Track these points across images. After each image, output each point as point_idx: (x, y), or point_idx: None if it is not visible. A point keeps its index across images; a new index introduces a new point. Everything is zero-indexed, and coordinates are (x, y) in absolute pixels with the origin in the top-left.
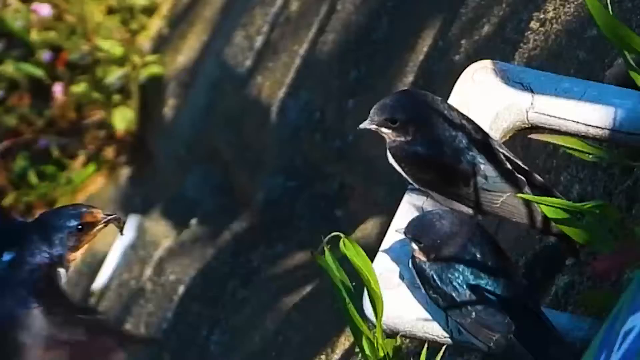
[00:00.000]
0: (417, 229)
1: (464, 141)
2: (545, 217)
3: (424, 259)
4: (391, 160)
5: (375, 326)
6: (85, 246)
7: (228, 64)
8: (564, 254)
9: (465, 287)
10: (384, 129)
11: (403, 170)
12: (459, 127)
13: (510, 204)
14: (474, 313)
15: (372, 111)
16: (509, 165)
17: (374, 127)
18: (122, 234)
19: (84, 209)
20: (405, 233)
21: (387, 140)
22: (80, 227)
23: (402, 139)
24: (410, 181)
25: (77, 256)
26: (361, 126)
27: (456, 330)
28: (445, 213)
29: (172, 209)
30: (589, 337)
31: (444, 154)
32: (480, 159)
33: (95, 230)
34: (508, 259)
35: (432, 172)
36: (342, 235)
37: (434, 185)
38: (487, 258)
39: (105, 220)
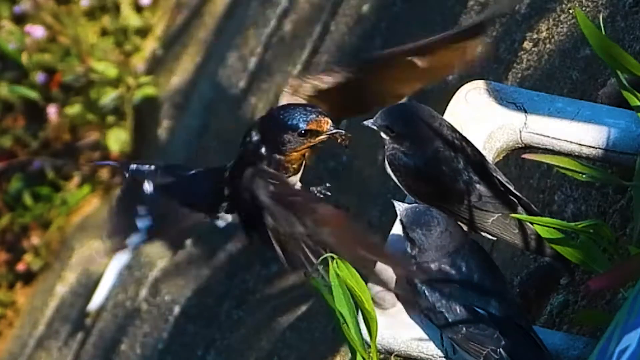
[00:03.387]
0: (411, 220)
1: (462, 162)
2: (537, 237)
3: (407, 248)
4: (387, 168)
5: (369, 346)
6: (305, 151)
7: (222, 85)
8: (558, 273)
9: (455, 302)
10: (383, 134)
11: (398, 179)
12: (458, 148)
13: (501, 224)
14: (464, 328)
15: (379, 113)
16: (502, 188)
17: (375, 127)
18: (345, 147)
19: (313, 116)
20: (401, 220)
21: (386, 146)
22: (303, 132)
23: (401, 148)
24: (404, 190)
25: (294, 158)
26: (365, 123)
27: (450, 349)
28: (443, 220)
29: None
30: (584, 357)
31: (443, 172)
32: (475, 180)
33: (317, 139)
34: (500, 276)
35: (428, 186)
36: (334, 256)
37: (427, 198)
38: (477, 275)
39: (329, 132)
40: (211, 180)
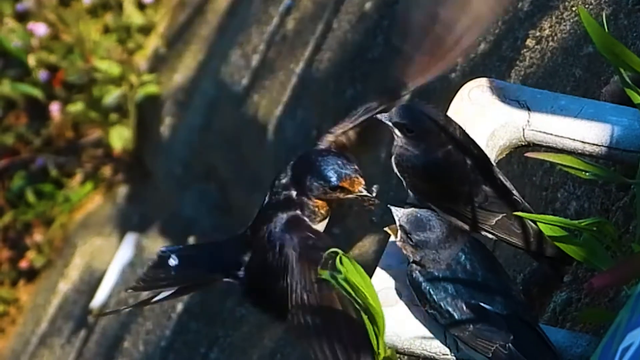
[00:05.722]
0: (412, 225)
1: (470, 164)
2: (538, 239)
3: (409, 254)
4: (394, 167)
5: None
6: (326, 203)
7: (224, 83)
8: (561, 271)
9: (461, 300)
10: (397, 131)
11: (404, 179)
12: (468, 151)
13: (504, 224)
14: (471, 326)
15: (394, 109)
16: (506, 190)
17: (390, 124)
18: (372, 219)
19: (348, 172)
20: (400, 225)
21: (395, 143)
22: (334, 187)
23: (411, 148)
24: (409, 190)
25: (318, 205)
26: (378, 116)
27: (454, 347)
28: (443, 221)
29: (170, 227)
30: (587, 354)
31: (452, 174)
32: (482, 181)
33: (345, 196)
34: (504, 273)
35: (435, 187)
36: (339, 251)
37: (432, 198)
38: (481, 272)
39: (359, 194)
40: (231, 245)
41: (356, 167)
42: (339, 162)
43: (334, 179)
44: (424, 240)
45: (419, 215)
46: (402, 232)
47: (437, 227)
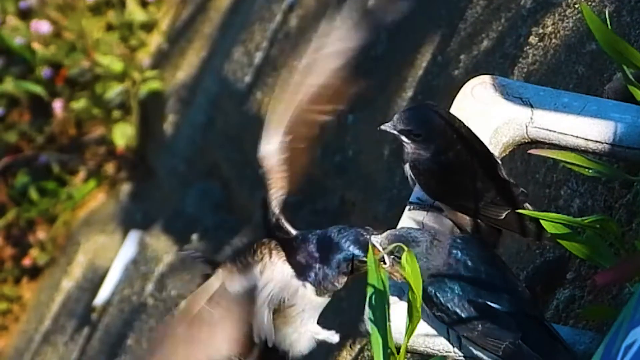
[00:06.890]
0: (395, 244)
1: (478, 162)
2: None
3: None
4: (408, 171)
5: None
6: (351, 276)
7: (227, 80)
8: (565, 268)
9: (467, 300)
10: (404, 138)
11: (419, 182)
12: (474, 149)
13: (514, 218)
14: (480, 325)
15: (396, 117)
16: (511, 186)
17: (395, 132)
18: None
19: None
20: (382, 246)
21: (406, 150)
22: (363, 259)
23: (422, 152)
24: (425, 192)
25: (342, 282)
26: (382, 127)
27: (457, 345)
28: (425, 231)
29: (173, 224)
30: (590, 351)
31: (464, 173)
32: (490, 177)
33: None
34: (508, 269)
35: (450, 187)
36: (405, 247)
37: (445, 197)
38: (484, 269)
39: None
40: None
41: (374, 232)
42: (361, 233)
43: (358, 252)
44: (415, 254)
45: (397, 233)
46: (388, 257)
47: (419, 236)
